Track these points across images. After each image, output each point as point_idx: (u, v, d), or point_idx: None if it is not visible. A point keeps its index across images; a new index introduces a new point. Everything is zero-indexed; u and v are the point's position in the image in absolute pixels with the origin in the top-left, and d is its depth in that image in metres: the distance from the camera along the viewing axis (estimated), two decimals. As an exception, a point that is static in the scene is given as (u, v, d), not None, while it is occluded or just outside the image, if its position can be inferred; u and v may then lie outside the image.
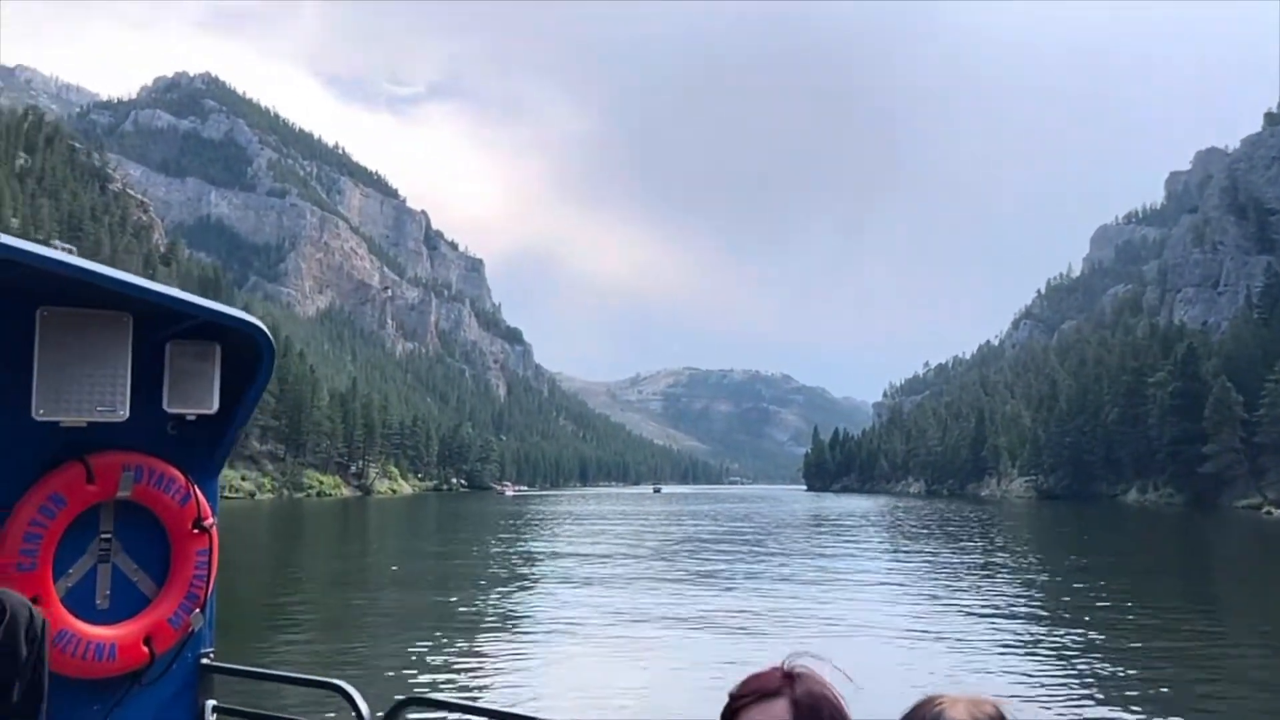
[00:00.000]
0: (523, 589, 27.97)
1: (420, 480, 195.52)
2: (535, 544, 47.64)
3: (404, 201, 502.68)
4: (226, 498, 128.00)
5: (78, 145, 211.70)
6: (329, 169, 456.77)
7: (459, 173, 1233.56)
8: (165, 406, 3.76)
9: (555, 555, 40.25)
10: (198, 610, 3.87)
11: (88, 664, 3.56)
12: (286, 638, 19.61)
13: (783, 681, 1.48)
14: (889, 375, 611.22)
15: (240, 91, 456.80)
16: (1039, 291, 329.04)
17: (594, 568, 34.29)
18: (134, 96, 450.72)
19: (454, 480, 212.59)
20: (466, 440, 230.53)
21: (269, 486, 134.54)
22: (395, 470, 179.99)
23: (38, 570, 3.46)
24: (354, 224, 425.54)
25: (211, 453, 4.05)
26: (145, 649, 3.71)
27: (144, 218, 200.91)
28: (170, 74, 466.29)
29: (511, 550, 43.30)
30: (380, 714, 3.60)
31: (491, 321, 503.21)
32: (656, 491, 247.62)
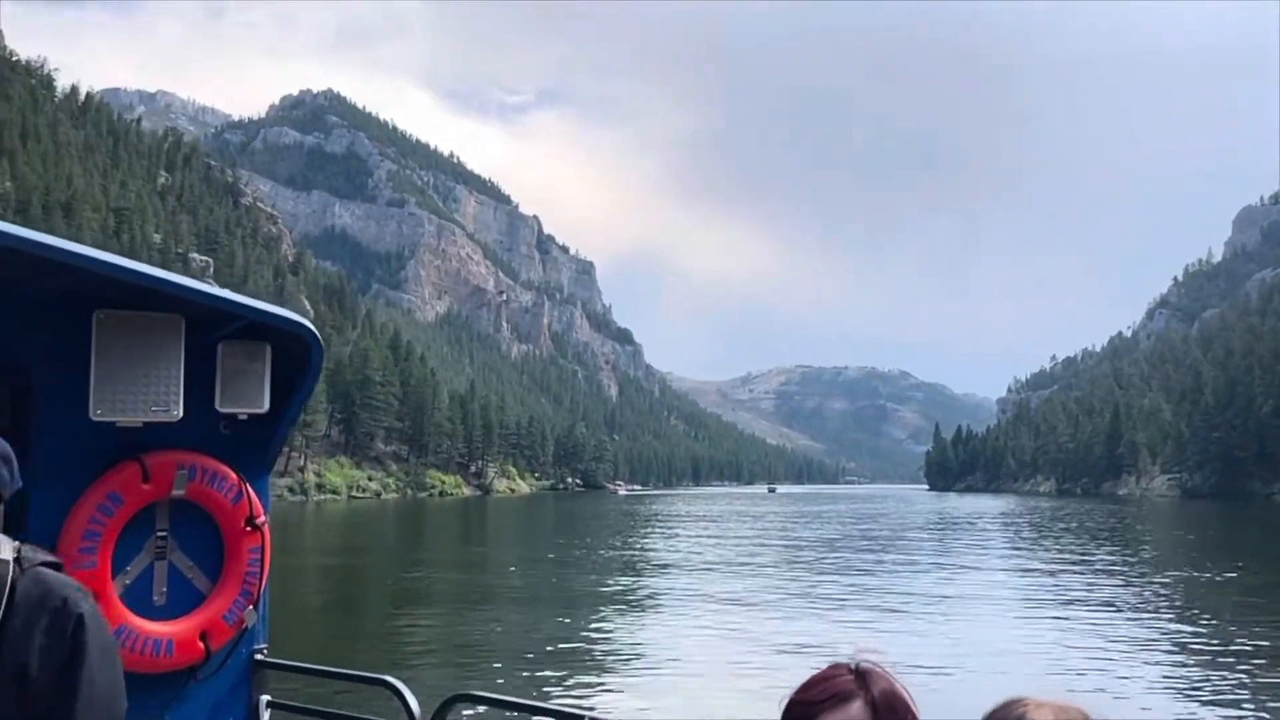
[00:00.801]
0: (639, 590, 27.25)
1: (537, 479, 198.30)
2: (652, 545, 47.01)
3: (516, 207, 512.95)
4: (354, 497, 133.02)
5: (213, 163, 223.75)
6: (445, 178, 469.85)
7: (569, 176, 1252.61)
8: (217, 406, 3.81)
9: (674, 557, 39.40)
10: (251, 607, 3.92)
11: (146, 659, 3.65)
12: (394, 631, 19.36)
13: (856, 682, 1.40)
14: (1012, 369, 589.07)
15: (360, 106, 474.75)
16: (1175, 279, 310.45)
17: (717, 573, 33.31)
18: (263, 115, 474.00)
19: (569, 479, 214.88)
20: (580, 440, 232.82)
21: (394, 486, 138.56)
22: (513, 470, 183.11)
23: (97, 568, 3.54)
24: (469, 230, 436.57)
25: (263, 451, 4.09)
26: (201, 645, 3.79)
27: (273, 230, 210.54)
28: (295, 92, 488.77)
29: (628, 550, 42.76)
30: (430, 710, 3.68)
31: (602, 323, 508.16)
32: (771, 491, 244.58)
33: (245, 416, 3.90)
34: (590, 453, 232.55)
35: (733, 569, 33.64)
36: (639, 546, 45.71)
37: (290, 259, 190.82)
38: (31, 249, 2.95)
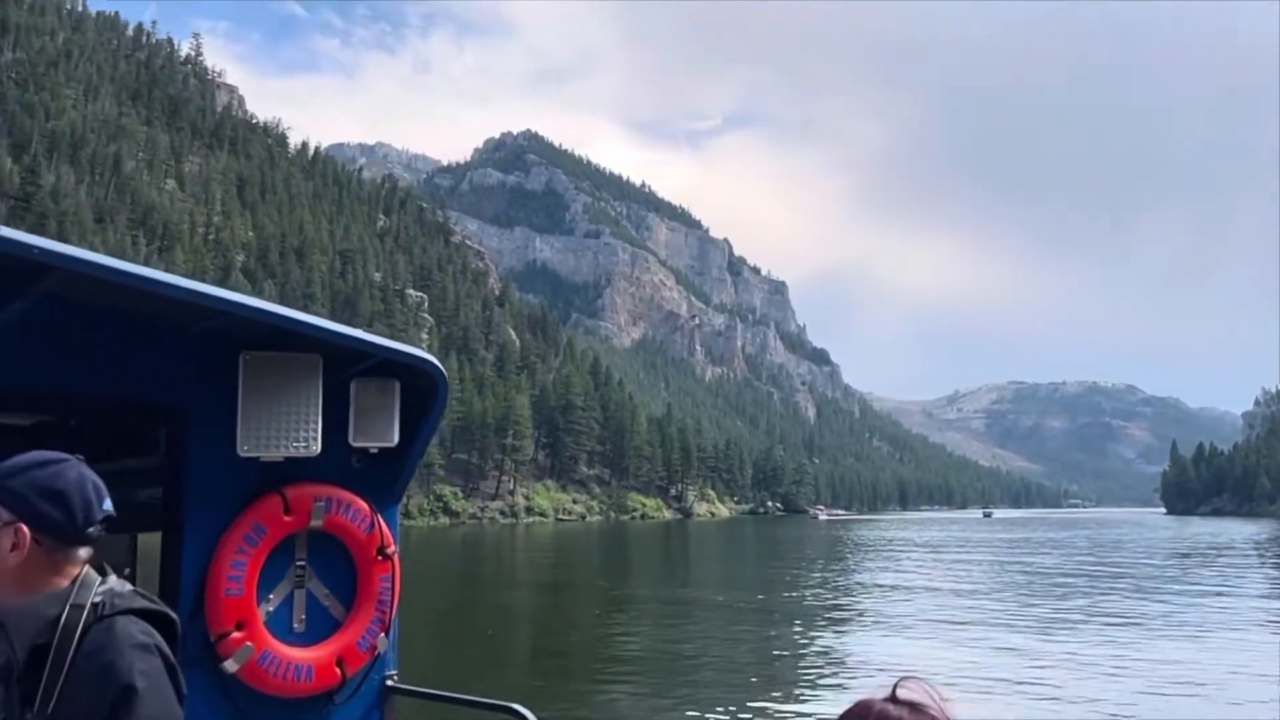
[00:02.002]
0: (847, 626, 24.97)
1: (736, 503, 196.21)
2: (859, 575, 44.03)
3: (707, 231, 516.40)
4: (561, 520, 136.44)
5: (425, 206, 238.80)
6: (637, 207, 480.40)
7: (759, 197, 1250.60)
8: (351, 440, 3.98)
9: (884, 590, 36.47)
10: (383, 634, 4.09)
11: (288, 684, 3.83)
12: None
13: (908, 715, 1.25)
14: (1257, 380, 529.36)
15: (557, 144, 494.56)
16: None
17: (936, 608, 30.38)
18: (468, 159, 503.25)
19: (769, 504, 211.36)
20: (779, 463, 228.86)
21: (597, 509, 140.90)
22: (712, 493, 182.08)
23: (243, 595, 3.74)
24: (662, 257, 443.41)
25: (393, 483, 4.25)
26: (338, 670, 3.95)
27: (480, 265, 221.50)
28: (497, 135, 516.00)
29: (831, 581, 40.14)
30: None
31: (797, 343, 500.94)
32: (987, 516, 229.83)
33: (376, 450, 4.05)
34: (790, 476, 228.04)
35: (975, 601, 30.62)
36: (854, 575, 43.06)
37: (496, 292, 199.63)
38: (185, 295, 3.19)
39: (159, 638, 1.94)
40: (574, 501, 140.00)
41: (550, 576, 43.77)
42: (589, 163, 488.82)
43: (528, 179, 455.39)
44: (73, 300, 3.42)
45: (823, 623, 24.69)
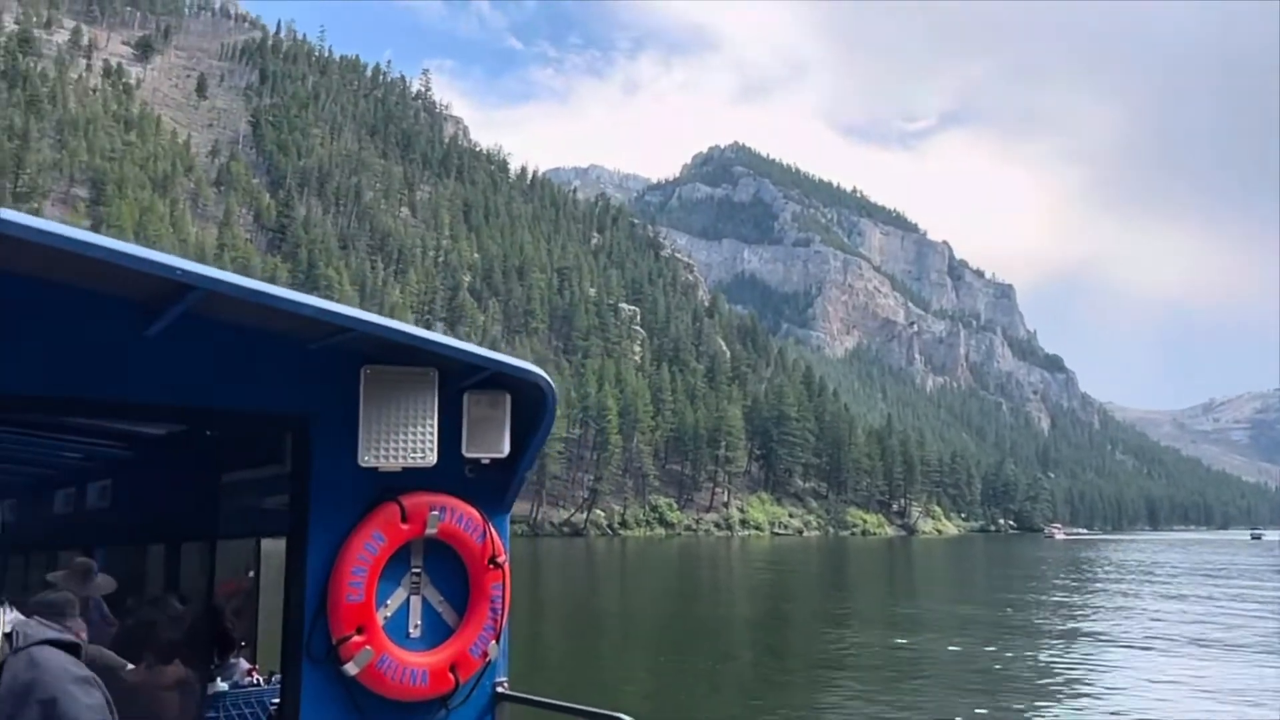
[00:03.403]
0: (1101, 667, 20.89)
1: (964, 520, 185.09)
2: (1109, 600, 38.48)
3: (924, 234, 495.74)
4: (777, 534, 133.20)
5: (635, 222, 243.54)
6: (848, 212, 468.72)
7: (980, 198, 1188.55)
8: (464, 451, 4.12)
9: (1152, 622, 31.36)
10: (494, 641, 4.19)
11: (404, 687, 3.94)
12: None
13: None
14: None
15: (764, 154, 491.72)
16: None
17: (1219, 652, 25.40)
18: (677, 175, 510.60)
19: (1000, 521, 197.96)
20: (1011, 478, 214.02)
21: (815, 524, 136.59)
22: (938, 509, 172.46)
23: (363, 600, 3.86)
24: (875, 263, 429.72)
25: (503, 493, 4.37)
26: (451, 676, 4.06)
27: (690, 278, 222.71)
28: (705, 150, 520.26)
29: (1083, 609, 35.14)
30: None
31: (1027, 350, 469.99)
32: (1256, 538, 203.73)
33: (488, 461, 4.18)
34: (1023, 492, 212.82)
35: (1246, 637, 25.50)
36: (1103, 600, 37.75)
37: (706, 304, 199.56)
38: (312, 312, 3.43)
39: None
40: (790, 515, 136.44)
41: (769, 594, 41.44)
42: (798, 171, 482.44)
43: (735, 191, 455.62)
44: (209, 317, 3.60)
45: (1081, 668, 20.95)
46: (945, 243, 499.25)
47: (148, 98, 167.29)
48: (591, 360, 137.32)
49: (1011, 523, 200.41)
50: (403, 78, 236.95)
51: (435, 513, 4.00)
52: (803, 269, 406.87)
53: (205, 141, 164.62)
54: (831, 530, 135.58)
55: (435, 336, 3.88)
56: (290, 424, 3.99)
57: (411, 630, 4.04)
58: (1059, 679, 18.93)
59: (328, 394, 3.95)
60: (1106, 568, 64.99)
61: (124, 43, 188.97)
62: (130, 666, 4.65)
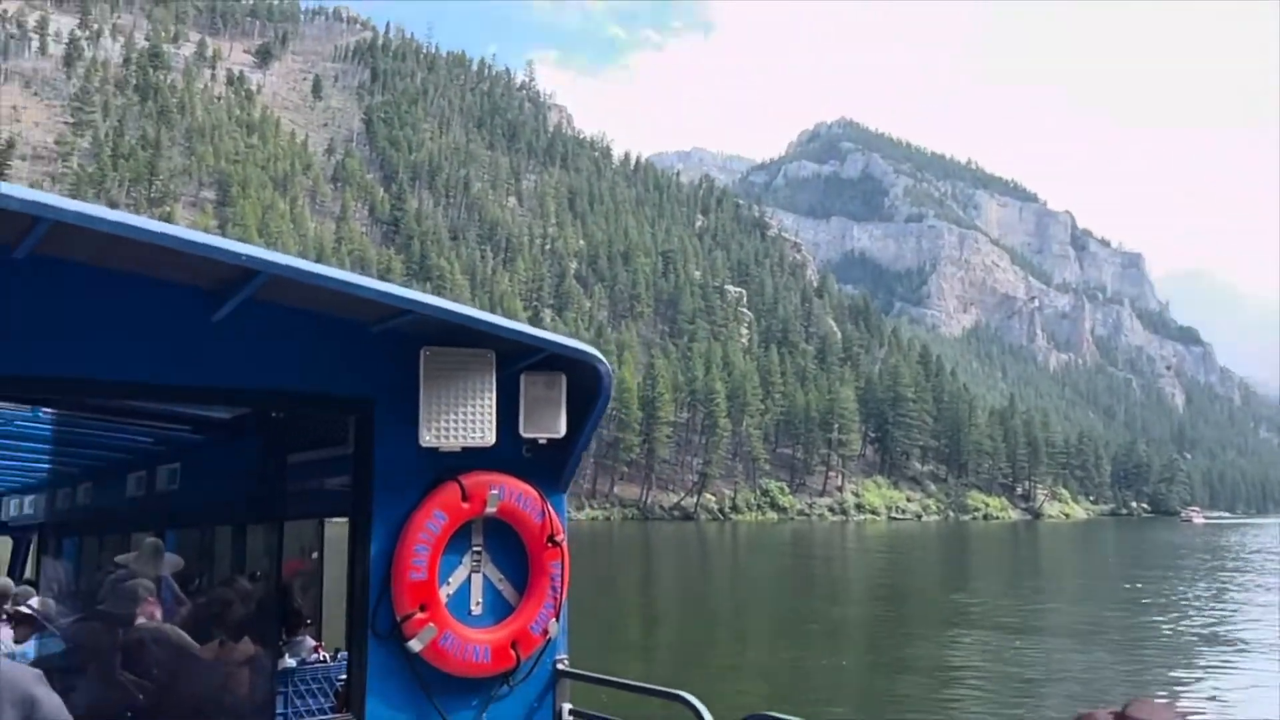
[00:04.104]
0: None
1: (1093, 503, 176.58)
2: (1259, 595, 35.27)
3: (1044, 204, 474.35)
4: (894, 518, 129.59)
5: (740, 203, 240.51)
6: (963, 185, 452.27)
7: (1106, 162, 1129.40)
8: (521, 431, 4.16)
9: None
10: (554, 619, 4.25)
11: (467, 664, 4.02)
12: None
13: None
14: None
15: (873, 129, 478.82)
16: None
17: None
18: (782, 154, 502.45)
19: (1133, 504, 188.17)
20: (1143, 459, 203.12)
21: (934, 508, 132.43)
22: (1064, 493, 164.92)
23: (426, 578, 3.94)
24: (993, 236, 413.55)
25: (560, 473, 4.42)
26: (512, 653, 4.12)
27: (797, 257, 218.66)
28: (811, 126, 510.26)
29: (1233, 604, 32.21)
30: None
31: (1158, 322, 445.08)
32: None
33: (544, 441, 4.21)
34: (1158, 474, 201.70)
35: None
36: (1254, 595, 34.68)
37: (814, 284, 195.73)
38: (372, 295, 3.52)
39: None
40: (908, 500, 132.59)
41: (888, 584, 39.83)
42: (909, 144, 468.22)
43: (843, 167, 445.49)
44: (273, 301, 3.68)
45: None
46: (1068, 212, 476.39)
47: (268, 102, 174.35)
48: (698, 343, 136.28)
49: (1145, 506, 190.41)
50: (507, 70, 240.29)
51: (495, 492, 4.06)
52: (916, 245, 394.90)
53: (321, 140, 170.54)
54: (951, 514, 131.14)
55: (492, 318, 3.92)
56: (353, 406, 4.05)
57: (473, 608, 4.11)
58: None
59: (389, 376, 4.01)
60: (1266, 556, 60.34)
61: (245, 51, 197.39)
62: (199, 646, 4.71)
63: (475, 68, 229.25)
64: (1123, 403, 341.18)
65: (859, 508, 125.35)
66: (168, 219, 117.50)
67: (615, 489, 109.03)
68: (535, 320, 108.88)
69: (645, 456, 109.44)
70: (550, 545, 4.21)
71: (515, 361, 4.11)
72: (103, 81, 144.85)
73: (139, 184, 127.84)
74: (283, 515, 5.45)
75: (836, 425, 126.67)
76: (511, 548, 4.21)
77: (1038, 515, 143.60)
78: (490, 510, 4.06)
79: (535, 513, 4.17)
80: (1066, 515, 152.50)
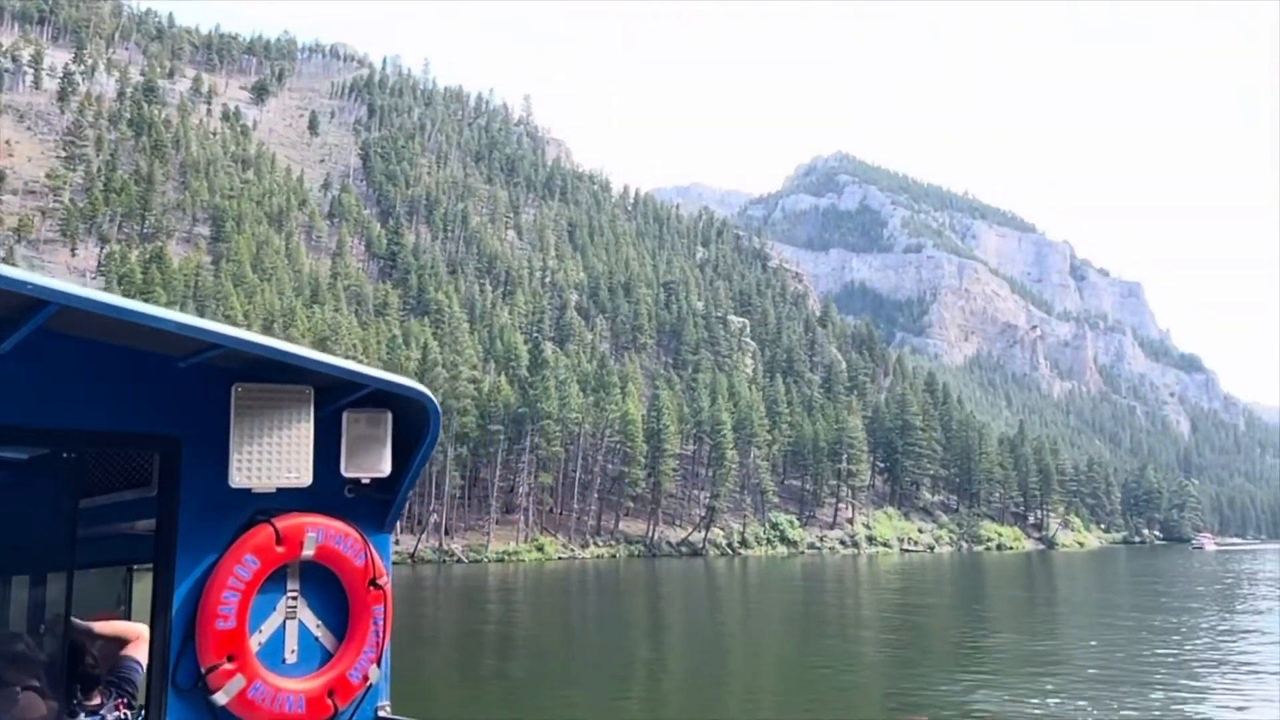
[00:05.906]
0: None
1: (1105, 531, 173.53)
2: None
3: (1043, 234, 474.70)
4: (906, 550, 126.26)
5: (740, 234, 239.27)
6: (960, 215, 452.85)
7: (1102, 192, 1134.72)
8: (343, 471, 4.00)
9: None
10: (375, 665, 4.09)
11: (279, 715, 3.83)
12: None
13: None
14: None
15: (869, 161, 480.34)
16: None
17: None
18: (779, 188, 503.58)
19: (1145, 531, 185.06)
20: (1153, 486, 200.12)
21: (947, 539, 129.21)
22: (1076, 520, 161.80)
23: (234, 627, 3.75)
24: (992, 266, 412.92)
25: (384, 513, 4.28)
26: (329, 702, 3.94)
27: (799, 287, 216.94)
28: (807, 160, 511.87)
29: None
30: None
31: (1160, 350, 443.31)
32: None
33: (368, 480, 4.06)
34: (1168, 500, 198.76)
35: None
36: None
37: (817, 313, 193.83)
38: (176, 328, 3.36)
39: None
40: (919, 531, 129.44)
41: (906, 621, 37.15)
42: (905, 176, 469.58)
43: (840, 199, 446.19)
44: (68, 334, 3.51)
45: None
46: (1066, 242, 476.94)
47: (264, 138, 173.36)
48: (702, 374, 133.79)
49: (1157, 533, 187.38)
50: (505, 105, 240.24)
51: (312, 534, 3.87)
52: (915, 275, 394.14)
53: (318, 176, 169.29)
54: (965, 545, 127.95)
55: (310, 353, 3.75)
56: (157, 444, 3.81)
57: (288, 656, 3.91)
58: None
59: (197, 413, 3.82)
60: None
61: (241, 87, 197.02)
62: None
63: (473, 103, 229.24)
64: (1128, 430, 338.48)
65: (870, 540, 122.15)
66: (160, 254, 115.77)
67: (620, 525, 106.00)
68: (536, 353, 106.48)
69: (651, 490, 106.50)
70: (372, 588, 4.00)
71: (337, 398, 3.93)
72: (96, 116, 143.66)
73: (131, 219, 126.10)
74: (73, 564, 4.46)
75: (845, 455, 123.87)
76: (330, 592, 3.98)
77: (1051, 545, 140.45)
78: (307, 553, 3.84)
79: (356, 555, 3.95)
80: (1080, 544, 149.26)
